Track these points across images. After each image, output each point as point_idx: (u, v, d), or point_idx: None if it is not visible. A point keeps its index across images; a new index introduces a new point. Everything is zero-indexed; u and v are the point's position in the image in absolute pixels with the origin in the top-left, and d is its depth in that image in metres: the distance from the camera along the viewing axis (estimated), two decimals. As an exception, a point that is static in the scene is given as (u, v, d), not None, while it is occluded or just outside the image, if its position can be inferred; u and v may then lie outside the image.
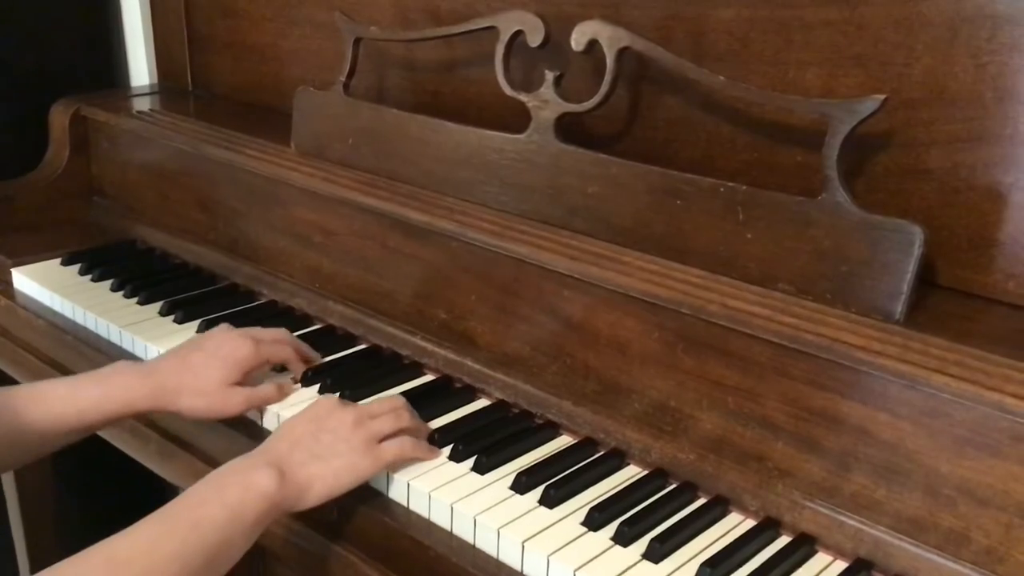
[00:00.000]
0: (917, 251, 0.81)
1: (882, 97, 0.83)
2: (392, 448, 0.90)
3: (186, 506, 0.79)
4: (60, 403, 0.93)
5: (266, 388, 1.01)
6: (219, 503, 0.78)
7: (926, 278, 0.88)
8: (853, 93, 0.91)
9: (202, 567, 0.75)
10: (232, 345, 1.00)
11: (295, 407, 1.00)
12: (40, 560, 1.67)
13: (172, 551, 0.74)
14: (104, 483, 1.68)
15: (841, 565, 0.83)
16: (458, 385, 1.09)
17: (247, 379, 1.01)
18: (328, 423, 0.89)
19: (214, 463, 0.88)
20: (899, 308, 0.82)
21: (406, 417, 0.94)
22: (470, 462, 0.93)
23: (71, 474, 1.67)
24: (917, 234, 0.81)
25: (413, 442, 0.92)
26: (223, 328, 1.05)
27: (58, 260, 1.39)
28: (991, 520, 0.76)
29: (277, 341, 1.06)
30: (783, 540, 0.86)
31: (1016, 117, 0.85)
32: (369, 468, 0.88)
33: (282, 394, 1.02)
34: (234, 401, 0.98)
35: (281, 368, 1.08)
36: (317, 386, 1.06)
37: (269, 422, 1.02)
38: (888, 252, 0.82)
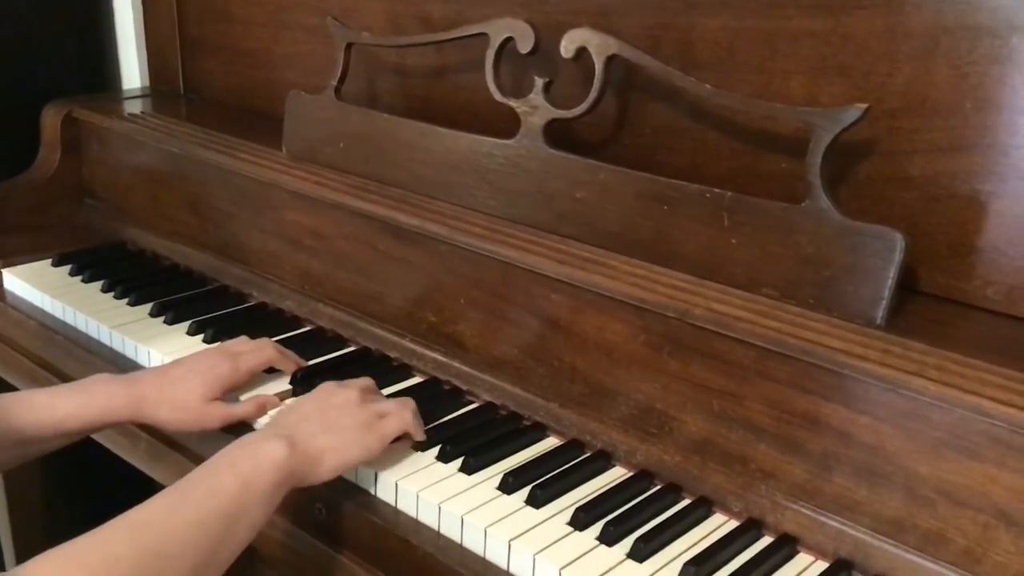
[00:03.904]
0: (898, 257, 0.83)
1: (864, 106, 0.85)
2: (393, 421, 0.92)
3: (200, 477, 0.80)
4: (41, 409, 0.95)
5: (245, 405, 1.02)
6: (232, 473, 0.80)
7: (907, 284, 0.90)
8: (836, 102, 0.93)
9: (221, 534, 0.76)
10: (211, 362, 1.02)
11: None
12: (28, 561, 1.66)
13: (190, 517, 0.75)
14: (93, 485, 1.67)
15: (822, 565, 0.84)
16: (447, 387, 1.10)
17: (228, 395, 1.02)
18: (334, 400, 0.91)
19: (204, 463, 0.89)
20: (880, 313, 0.84)
21: (411, 403, 0.96)
22: (458, 463, 0.94)
23: (59, 476, 1.66)
24: (898, 241, 0.83)
25: (414, 412, 0.95)
26: (211, 348, 1.08)
27: (49, 261, 1.39)
28: (969, 521, 0.77)
29: (259, 350, 1.06)
30: (765, 540, 0.87)
31: (995, 127, 0.86)
32: (375, 443, 0.90)
33: (261, 411, 1.02)
34: (212, 416, 0.99)
35: (271, 370, 1.09)
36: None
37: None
38: (870, 258, 0.84)
